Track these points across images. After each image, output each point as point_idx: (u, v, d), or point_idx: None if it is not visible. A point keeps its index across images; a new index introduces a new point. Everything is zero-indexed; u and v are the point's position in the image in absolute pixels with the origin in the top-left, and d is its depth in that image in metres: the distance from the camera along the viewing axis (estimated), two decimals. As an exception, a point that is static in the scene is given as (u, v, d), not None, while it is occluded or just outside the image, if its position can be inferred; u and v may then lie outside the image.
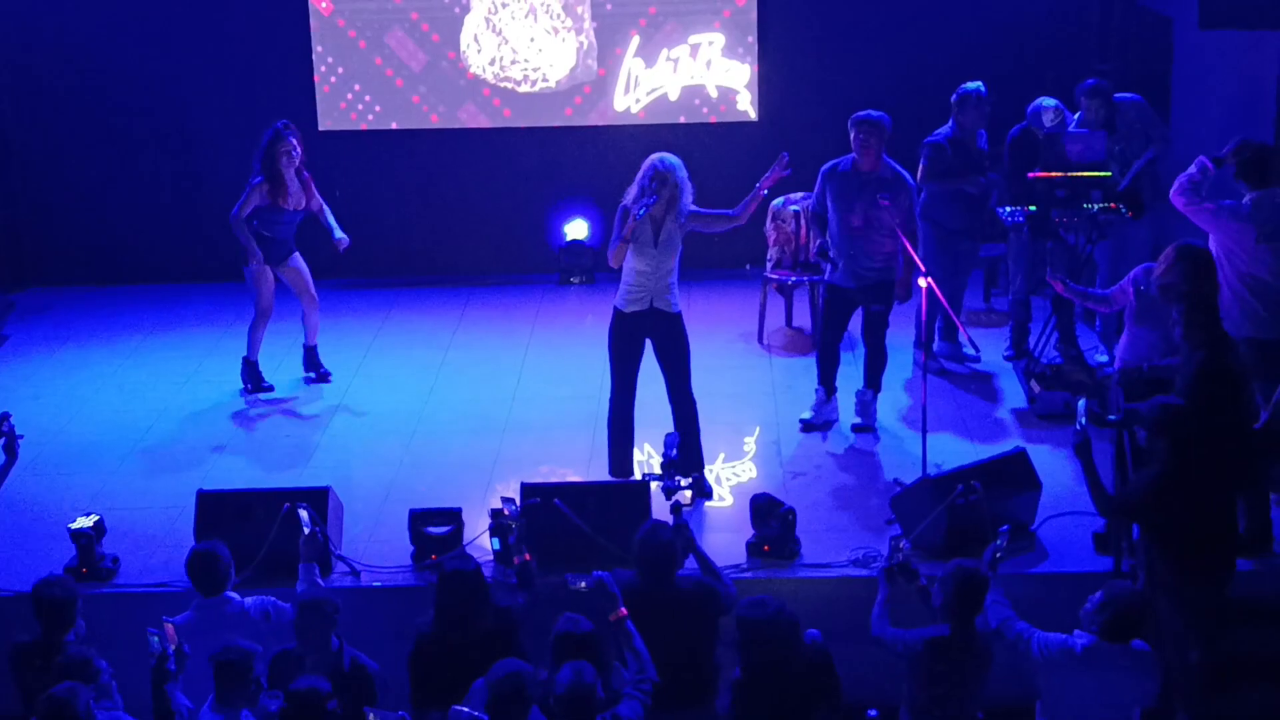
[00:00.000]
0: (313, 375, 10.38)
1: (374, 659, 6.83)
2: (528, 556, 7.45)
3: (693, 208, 8.36)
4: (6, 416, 7.43)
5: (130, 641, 6.71)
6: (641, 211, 8.16)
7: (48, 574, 6.99)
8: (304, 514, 7.39)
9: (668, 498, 7.58)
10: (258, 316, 10.13)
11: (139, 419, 9.95)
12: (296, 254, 10.12)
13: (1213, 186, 8.14)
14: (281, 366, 10.47)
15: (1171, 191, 8.16)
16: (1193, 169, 8.13)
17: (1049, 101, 9.99)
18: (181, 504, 8.20)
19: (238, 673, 6.15)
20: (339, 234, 10.07)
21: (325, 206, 10.10)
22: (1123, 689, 6.40)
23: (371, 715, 5.90)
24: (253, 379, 10.26)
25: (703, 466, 8.68)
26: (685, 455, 8.59)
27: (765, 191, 8.42)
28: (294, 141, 9.84)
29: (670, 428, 8.42)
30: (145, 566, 7.93)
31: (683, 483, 7.68)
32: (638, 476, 8.50)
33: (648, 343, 8.54)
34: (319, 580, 7.22)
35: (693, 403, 8.61)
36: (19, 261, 12.53)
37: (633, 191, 8.30)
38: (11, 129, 12.39)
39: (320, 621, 6.59)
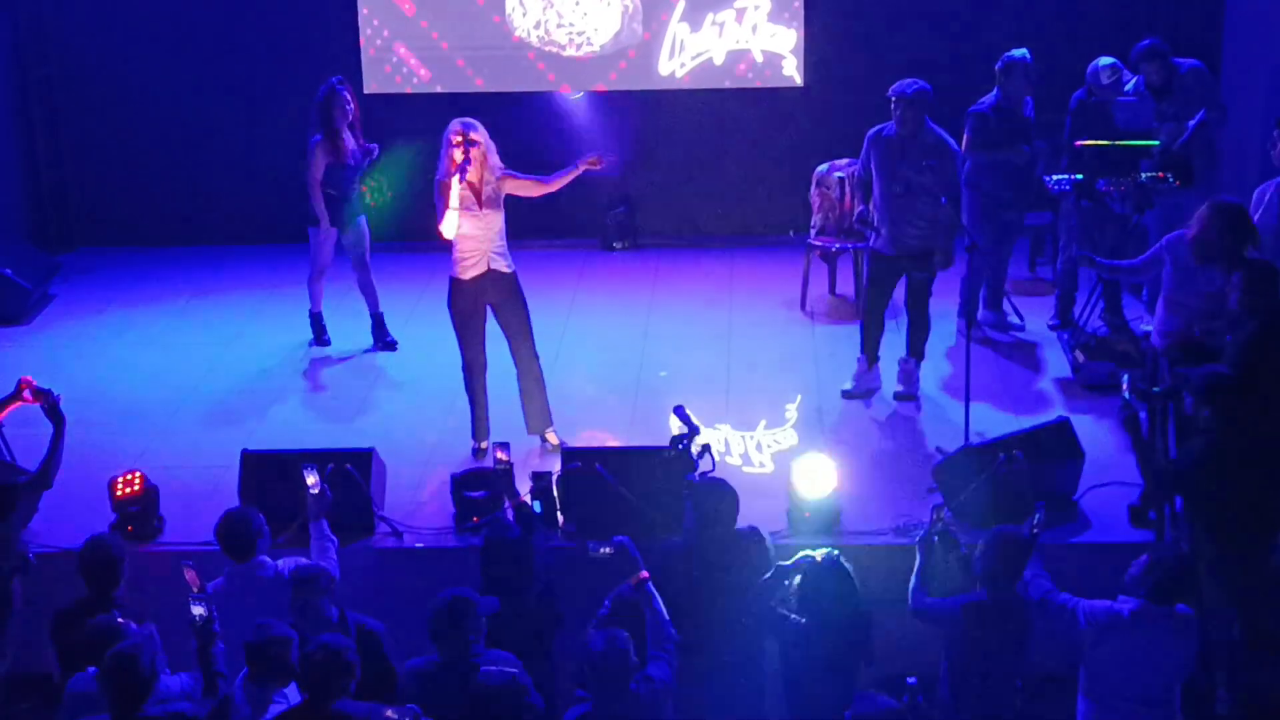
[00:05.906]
0: (379, 344, 10.41)
1: (415, 619, 6.83)
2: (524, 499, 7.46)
3: (504, 167, 8.37)
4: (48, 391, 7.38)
5: (174, 600, 6.76)
6: (462, 176, 8.13)
7: (94, 533, 7.03)
8: (310, 474, 7.21)
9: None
10: (315, 272, 10.27)
11: (184, 379, 10.01)
12: (363, 218, 10.24)
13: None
14: (331, 327, 10.51)
15: None
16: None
17: (1106, 60, 9.88)
18: (226, 463, 8.25)
19: (270, 658, 6.03)
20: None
21: (372, 149, 10.15)
22: (1167, 653, 6.38)
23: (389, 712, 5.89)
24: (315, 330, 10.42)
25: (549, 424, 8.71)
26: (540, 414, 8.63)
27: (581, 170, 8.42)
28: (348, 97, 9.92)
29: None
30: (190, 525, 7.99)
31: (695, 451, 7.67)
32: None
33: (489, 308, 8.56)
34: (329, 534, 7.12)
35: (537, 361, 8.63)
36: (65, 222, 12.59)
37: (442, 164, 8.27)
38: (58, 91, 12.43)
39: (315, 594, 6.47)
